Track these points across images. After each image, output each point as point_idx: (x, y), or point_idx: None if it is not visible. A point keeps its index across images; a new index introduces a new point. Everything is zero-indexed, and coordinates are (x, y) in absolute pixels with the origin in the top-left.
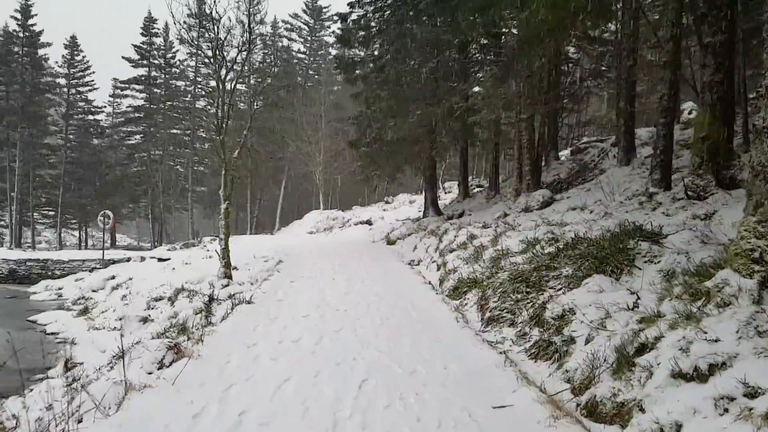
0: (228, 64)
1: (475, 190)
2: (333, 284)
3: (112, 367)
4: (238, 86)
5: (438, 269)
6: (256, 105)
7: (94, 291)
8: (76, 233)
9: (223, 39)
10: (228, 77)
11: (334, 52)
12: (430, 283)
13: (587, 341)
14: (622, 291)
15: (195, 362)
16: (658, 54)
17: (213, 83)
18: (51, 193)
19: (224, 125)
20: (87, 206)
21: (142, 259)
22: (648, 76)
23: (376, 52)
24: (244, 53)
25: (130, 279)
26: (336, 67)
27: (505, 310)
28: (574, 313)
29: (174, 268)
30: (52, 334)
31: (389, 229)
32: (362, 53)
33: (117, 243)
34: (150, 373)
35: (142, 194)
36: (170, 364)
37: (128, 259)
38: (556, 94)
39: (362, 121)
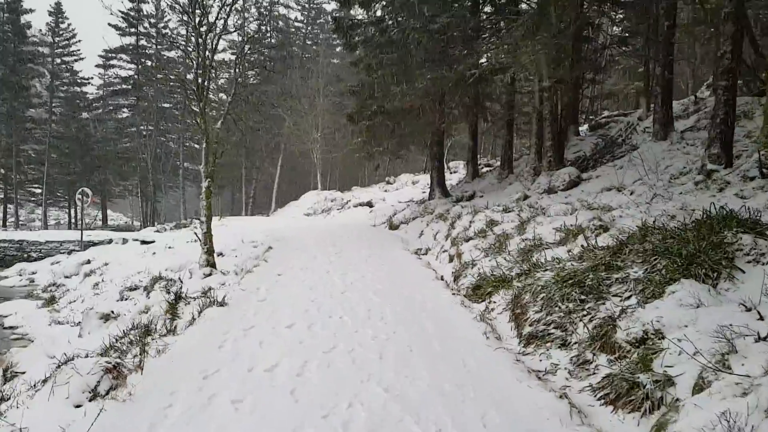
0: (206, 11)
1: (483, 170)
2: (327, 279)
3: (37, 391)
4: (228, 55)
5: (450, 261)
6: (242, 69)
7: (66, 277)
8: (68, 212)
9: None
10: (208, 30)
11: (332, 7)
12: (442, 278)
13: (698, 387)
14: (731, 306)
15: (121, 406)
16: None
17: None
18: (37, 170)
19: (205, 91)
20: (75, 183)
21: (125, 241)
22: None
23: (378, 13)
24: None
25: (106, 264)
26: (334, 31)
27: (552, 324)
28: (663, 337)
29: (155, 253)
30: (10, 328)
31: (391, 211)
32: (363, 15)
33: (109, 222)
34: (78, 406)
35: (131, 171)
36: (107, 392)
37: (110, 241)
38: (579, 60)
39: (363, 91)
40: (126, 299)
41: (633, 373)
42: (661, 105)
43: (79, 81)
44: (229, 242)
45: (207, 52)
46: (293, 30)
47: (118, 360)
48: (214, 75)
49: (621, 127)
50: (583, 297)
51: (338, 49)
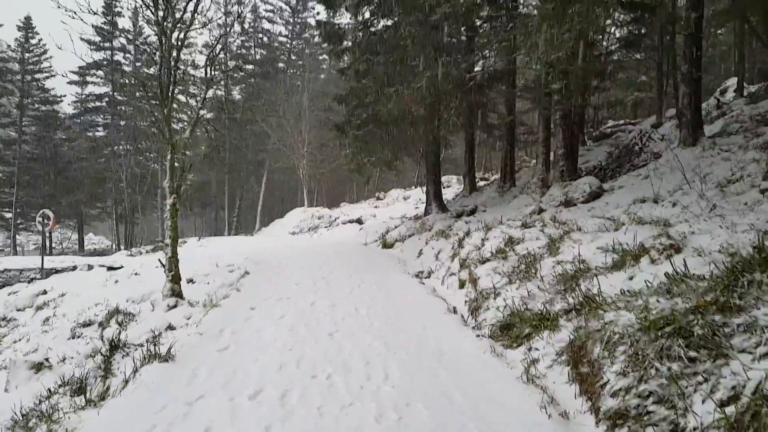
0: (172, 4)
1: (480, 184)
2: (311, 314)
3: None
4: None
5: (462, 286)
6: (212, 70)
7: (19, 310)
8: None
9: None
10: (174, 25)
11: (320, 18)
12: (455, 310)
13: None
14: None
15: None
16: None
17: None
18: (8, 193)
19: (170, 94)
20: (45, 206)
21: (90, 267)
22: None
23: (366, 15)
24: None
25: (62, 295)
26: (320, 36)
27: (650, 397)
28: None
29: (117, 281)
30: None
31: (383, 228)
32: (351, 20)
33: (86, 247)
34: None
35: (107, 192)
36: None
37: (74, 268)
38: (587, 65)
39: (352, 98)
40: (78, 337)
41: None
42: (689, 107)
43: (50, 99)
44: (203, 266)
45: (173, 50)
46: (277, 45)
47: None
48: (181, 76)
49: (634, 136)
50: (692, 354)
51: (324, 66)
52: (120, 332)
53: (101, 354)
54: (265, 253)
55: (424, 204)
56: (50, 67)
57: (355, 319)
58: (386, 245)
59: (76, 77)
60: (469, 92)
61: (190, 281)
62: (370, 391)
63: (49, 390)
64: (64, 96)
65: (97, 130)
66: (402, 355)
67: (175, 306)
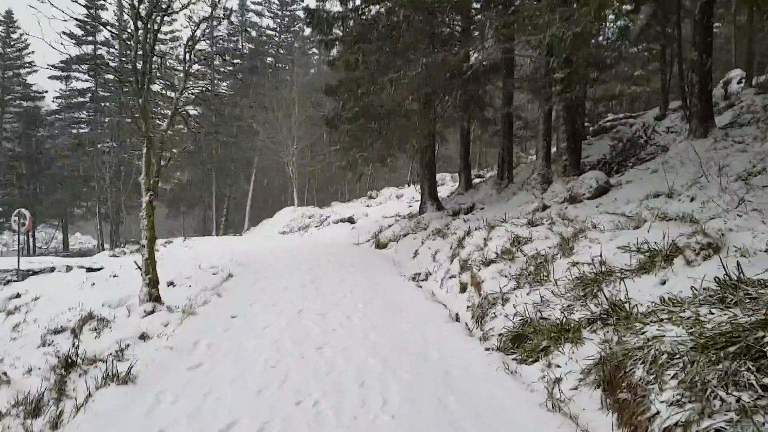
0: None
1: (475, 181)
2: (298, 324)
3: None
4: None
5: (463, 290)
6: (194, 57)
7: None
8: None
9: None
10: (152, 8)
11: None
12: (457, 318)
13: None
14: None
15: None
16: None
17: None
18: None
19: (146, 84)
20: (27, 205)
21: (69, 269)
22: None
23: (357, 2)
24: None
25: (36, 299)
26: (308, 24)
27: None
28: None
29: (94, 284)
30: None
31: (376, 228)
32: (341, 9)
33: (71, 246)
34: None
35: (89, 191)
36: None
37: (52, 269)
38: (591, 53)
39: (342, 90)
40: (49, 344)
41: None
42: (698, 96)
43: (32, 95)
44: (185, 268)
45: (149, 37)
46: (265, 38)
47: None
48: (159, 65)
49: (637, 129)
50: (767, 381)
51: (314, 60)
52: (77, 345)
53: (55, 371)
54: (252, 254)
55: (418, 202)
56: (32, 62)
57: (347, 329)
58: (380, 245)
59: (58, 72)
60: (466, 83)
61: (171, 284)
62: (366, 422)
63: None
64: (46, 92)
65: (81, 127)
66: (402, 374)
67: (152, 311)
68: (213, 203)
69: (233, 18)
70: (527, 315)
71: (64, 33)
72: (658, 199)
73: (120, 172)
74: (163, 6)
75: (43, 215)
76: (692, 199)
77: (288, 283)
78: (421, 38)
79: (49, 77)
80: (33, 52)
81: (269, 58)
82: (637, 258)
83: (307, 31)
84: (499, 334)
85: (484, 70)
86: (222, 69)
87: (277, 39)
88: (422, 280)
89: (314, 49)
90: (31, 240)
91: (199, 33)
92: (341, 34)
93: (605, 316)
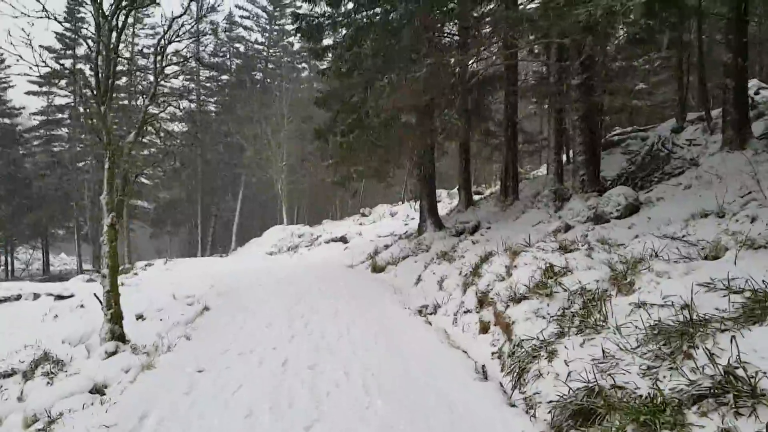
0: None
1: (474, 198)
2: (282, 383)
3: None
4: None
5: (485, 331)
6: (163, 60)
7: None
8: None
9: None
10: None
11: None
12: (485, 373)
13: None
14: None
15: None
16: None
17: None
18: None
19: (109, 89)
20: (3, 227)
21: (36, 296)
22: None
23: (349, 5)
24: None
25: None
26: (296, 31)
27: None
28: None
29: (56, 316)
30: None
31: (371, 248)
32: (329, 11)
33: (52, 269)
34: None
35: (68, 211)
36: None
37: (18, 297)
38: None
39: (334, 101)
40: None
41: None
42: (734, 104)
43: (8, 111)
44: (158, 298)
45: (113, 33)
46: (252, 53)
47: None
48: (126, 67)
49: (653, 142)
50: None
51: (304, 74)
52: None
53: None
54: (237, 279)
55: (414, 220)
56: (8, 77)
57: (345, 393)
58: (376, 269)
59: (36, 87)
60: (468, 92)
61: (140, 318)
62: None
63: None
64: (23, 108)
65: (61, 145)
66: None
67: (114, 353)
68: (198, 222)
69: (220, 33)
70: (589, 378)
71: (42, 47)
72: (707, 219)
73: (101, 191)
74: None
75: (22, 236)
76: (753, 220)
77: (272, 317)
78: (421, 39)
79: (26, 92)
80: (9, 67)
81: (257, 74)
82: (734, 300)
83: (297, 45)
84: (551, 403)
85: (489, 78)
86: (208, 84)
87: (265, 53)
88: (430, 314)
89: (304, 64)
90: (10, 261)
91: (171, 33)
92: (332, 41)
93: (718, 390)
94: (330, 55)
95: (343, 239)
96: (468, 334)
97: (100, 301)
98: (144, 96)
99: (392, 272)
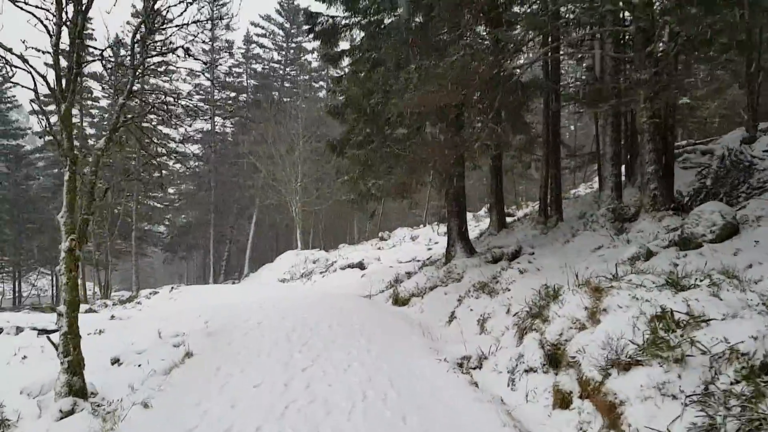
0: None
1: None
2: None
3: None
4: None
5: (565, 405)
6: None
7: None
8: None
9: None
10: None
11: (313, 45)
12: None
13: None
14: None
15: None
16: None
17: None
18: None
19: (71, 83)
20: (8, 252)
21: (19, 330)
22: None
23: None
24: None
25: None
26: (309, 32)
27: None
28: None
29: (25, 357)
30: None
31: (391, 275)
32: (346, 14)
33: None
34: None
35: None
36: None
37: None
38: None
39: (351, 110)
40: None
41: None
42: None
43: (13, 132)
44: (144, 336)
45: (78, 18)
46: (268, 71)
47: None
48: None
49: (723, 153)
50: None
51: (321, 93)
52: None
53: None
54: (236, 314)
55: (438, 244)
56: (14, 96)
57: None
58: (399, 301)
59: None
60: (506, 94)
61: (116, 362)
62: None
63: None
64: (30, 128)
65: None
66: None
67: (70, 412)
68: (210, 247)
69: (236, 51)
70: None
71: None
72: None
73: (107, 215)
74: None
75: (29, 262)
76: None
77: (265, 372)
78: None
79: (30, 112)
80: (15, 86)
81: (274, 93)
82: None
83: (315, 63)
84: None
85: (525, 83)
86: (221, 104)
87: (281, 72)
88: (474, 368)
89: (321, 83)
90: (17, 289)
91: (158, 19)
92: (348, 47)
93: None
94: (346, 59)
95: (360, 265)
96: (536, 406)
97: (55, 346)
98: (120, 94)
99: (417, 305)
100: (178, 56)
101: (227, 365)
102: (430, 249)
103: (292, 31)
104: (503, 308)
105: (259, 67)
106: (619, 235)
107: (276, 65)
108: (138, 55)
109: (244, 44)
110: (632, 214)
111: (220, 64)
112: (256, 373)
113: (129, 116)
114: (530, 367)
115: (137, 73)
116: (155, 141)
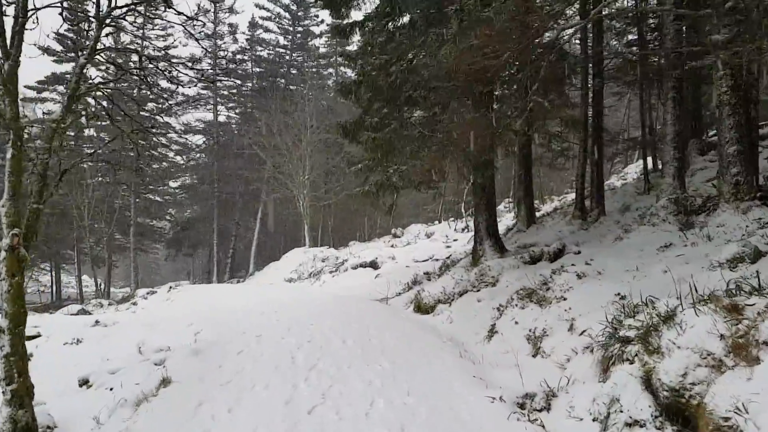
0: None
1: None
2: None
3: None
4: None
5: None
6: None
7: None
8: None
9: None
10: None
11: (321, 29)
12: None
13: None
14: None
15: None
16: None
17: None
18: None
19: (15, 39)
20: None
21: None
22: None
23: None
24: None
25: None
26: (316, 1)
27: None
28: None
29: None
30: None
31: (409, 276)
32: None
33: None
34: None
35: (66, 229)
36: None
37: None
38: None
39: (365, 88)
40: None
41: None
42: None
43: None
44: (121, 350)
45: None
46: (273, 56)
47: None
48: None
49: None
50: None
51: (330, 82)
52: None
53: None
54: (233, 322)
55: (459, 242)
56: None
57: None
58: (421, 308)
59: (32, 93)
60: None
61: (85, 383)
62: None
63: None
64: (24, 118)
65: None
66: None
67: None
68: (214, 243)
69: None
70: None
71: (39, 47)
72: None
73: (102, 210)
74: None
75: (37, 257)
76: None
77: (259, 416)
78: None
79: (23, 99)
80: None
81: (281, 79)
82: None
83: (323, 48)
84: None
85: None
86: (225, 92)
87: (288, 58)
88: (539, 410)
89: (330, 69)
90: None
91: None
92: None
93: None
94: (358, 33)
95: (373, 264)
96: None
97: None
98: (80, 53)
99: (445, 314)
100: (156, 6)
101: (212, 401)
102: (449, 247)
103: (299, 13)
104: (563, 324)
105: (264, 53)
106: (686, 230)
107: (282, 50)
108: (103, 6)
109: (249, 30)
110: (699, 206)
111: (224, 50)
112: (246, 416)
113: (93, 81)
114: (634, 419)
115: (103, 25)
116: (130, 114)
